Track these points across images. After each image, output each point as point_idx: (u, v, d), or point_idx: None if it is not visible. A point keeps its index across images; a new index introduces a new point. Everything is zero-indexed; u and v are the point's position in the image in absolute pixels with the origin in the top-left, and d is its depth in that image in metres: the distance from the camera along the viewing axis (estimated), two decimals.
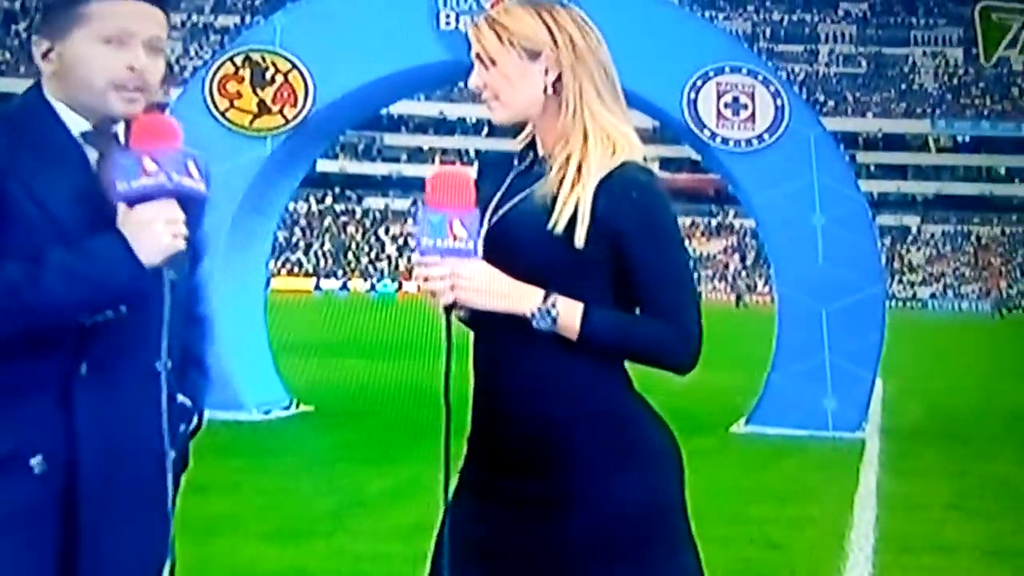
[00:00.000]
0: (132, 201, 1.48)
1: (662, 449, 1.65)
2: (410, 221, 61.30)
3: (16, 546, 1.46)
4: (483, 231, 1.60)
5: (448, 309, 1.60)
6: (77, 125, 1.54)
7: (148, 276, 1.47)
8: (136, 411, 1.52)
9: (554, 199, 1.61)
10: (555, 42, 1.65)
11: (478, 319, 1.62)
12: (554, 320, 1.58)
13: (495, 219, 1.64)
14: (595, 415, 1.61)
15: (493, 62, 1.65)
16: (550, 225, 1.60)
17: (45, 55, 1.54)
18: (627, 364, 1.66)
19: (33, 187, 1.47)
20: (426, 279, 1.59)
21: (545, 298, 1.59)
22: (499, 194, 1.67)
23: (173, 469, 1.58)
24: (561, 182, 1.62)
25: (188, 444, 1.64)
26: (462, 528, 1.62)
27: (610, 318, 1.61)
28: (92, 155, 1.54)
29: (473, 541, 1.62)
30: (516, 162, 1.71)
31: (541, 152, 1.69)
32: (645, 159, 1.66)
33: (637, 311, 1.64)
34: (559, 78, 1.65)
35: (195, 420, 1.65)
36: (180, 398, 1.61)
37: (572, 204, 1.60)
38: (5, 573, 1.46)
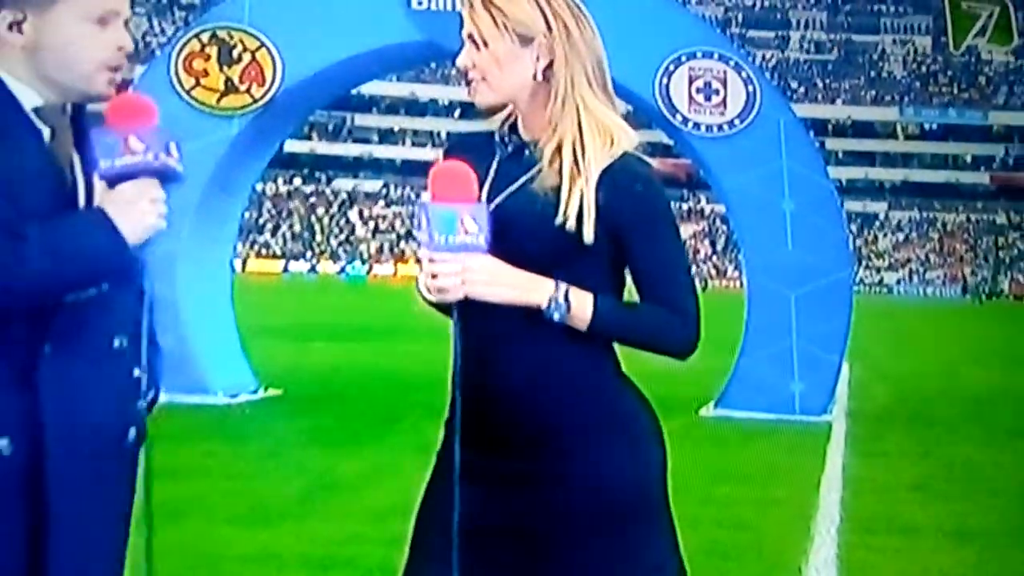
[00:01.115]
0: (113, 180, 1.47)
1: (646, 431, 1.67)
2: (380, 204, 60.95)
3: None
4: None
5: (448, 303, 1.60)
6: (29, 100, 1.51)
7: (130, 254, 1.47)
8: (98, 389, 1.51)
9: (556, 192, 1.61)
10: (549, 29, 1.64)
11: (464, 303, 1.62)
12: (567, 310, 1.60)
13: (491, 209, 1.63)
14: (582, 395, 1.63)
15: (485, 44, 1.64)
16: (559, 220, 1.60)
17: (15, 26, 1.48)
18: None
19: None
20: (434, 275, 1.58)
21: (556, 288, 1.60)
22: (488, 181, 1.66)
23: (134, 446, 1.56)
24: (561, 174, 1.62)
25: (145, 420, 1.62)
26: (446, 507, 1.62)
27: (616, 307, 1.63)
28: (44, 131, 1.51)
29: (458, 520, 1.62)
30: (501, 147, 1.69)
31: (526, 138, 1.68)
32: (639, 147, 1.67)
33: (636, 298, 1.66)
34: (550, 65, 1.64)
35: (151, 394, 1.63)
36: (136, 373, 1.60)
37: (577, 198, 1.60)
38: None
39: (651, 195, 1.65)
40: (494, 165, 1.68)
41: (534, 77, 1.64)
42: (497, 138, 1.69)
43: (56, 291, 1.45)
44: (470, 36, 1.65)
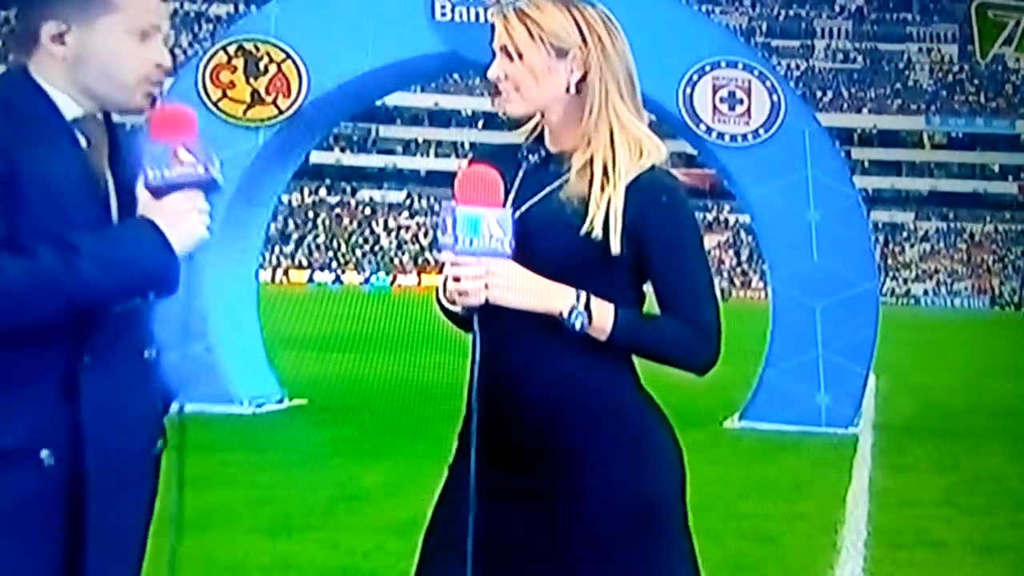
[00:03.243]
0: (161, 191, 1.48)
1: (664, 445, 1.66)
2: (405, 215, 61.19)
3: (29, 538, 1.46)
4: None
5: (471, 309, 1.60)
6: (70, 111, 1.53)
7: (179, 264, 1.48)
8: (132, 399, 1.52)
9: (583, 201, 1.62)
10: (584, 42, 1.64)
11: (483, 313, 1.62)
12: (588, 320, 1.59)
13: (516, 217, 1.63)
14: (601, 410, 1.62)
15: (520, 55, 1.64)
16: (584, 229, 1.60)
17: (58, 37, 1.49)
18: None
19: (35, 172, 1.46)
20: (457, 279, 1.58)
21: (578, 298, 1.60)
22: (514, 191, 1.66)
23: (159, 456, 1.58)
24: (590, 184, 1.62)
25: (166, 429, 1.63)
26: (460, 522, 1.62)
27: (638, 319, 1.62)
28: (82, 140, 1.53)
29: (474, 533, 1.61)
30: (527, 157, 1.69)
31: (553, 149, 1.68)
32: (666, 160, 1.68)
33: (657, 310, 1.66)
34: (583, 77, 1.65)
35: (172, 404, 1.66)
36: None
37: (604, 208, 1.61)
38: (19, 565, 1.45)
39: (676, 208, 1.65)
40: (519, 175, 1.68)
41: (567, 90, 1.65)
42: (523, 149, 1.71)
43: (106, 301, 1.46)
44: (503, 48, 1.66)
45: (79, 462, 1.47)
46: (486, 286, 1.58)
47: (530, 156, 1.69)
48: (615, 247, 1.60)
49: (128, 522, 1.52)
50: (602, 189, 1.62)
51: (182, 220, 1.47)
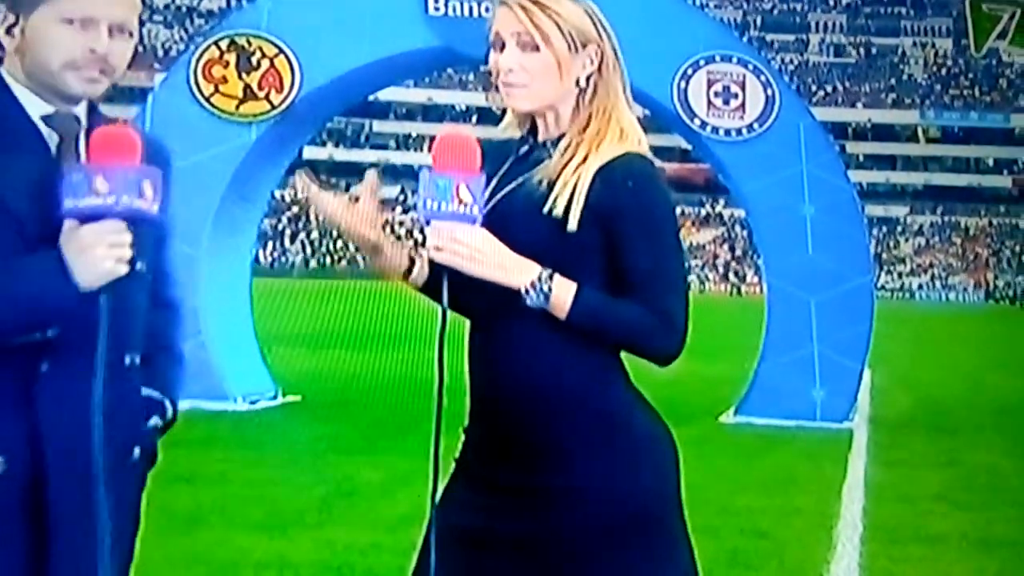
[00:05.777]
0: (80, 219, 1.41)
1: (657, 442, 1.66)
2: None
3: None
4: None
5: (437, 282, 1.57)
6: (37, 108, 1.50)
7: (80, 300, 1.42)
8: (102, 406, 1.48)
9: (551, 183, 1.61)
10: (599, 35, 1.65)
11: (474, 307, 1.62)
12: (547, 297, 1.57)
13: (491, 203, 1.62)
14: (592, 407, 1.61)
15: (540, 47, 1.62)
16: (546, 208, 1.59)
17: (9, 29, 1.50)
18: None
19: None
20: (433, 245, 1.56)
21: (540, 274, 1.58)
22: (496, 179, 1.66)
23: (140, 465, 1.55)
24: (563, 168, 1.62)
25: (156, 439, 1.60)
26: (456, 517, 1.62)
27: (600, 301, 1.60)
28: (53, 139, 1.50)
29: (467, 530, 1.62)
30: (516, 149, 1.69)
31: (542, 137, 1.68)
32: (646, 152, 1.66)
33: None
34: (596, 71, 1.64)
35: (168, 413, 1.61)
36: (146, 391, 1.58)
37: (569, 188, 1.59)
38: None
39: (643, 192, 1.62)
40: (505, 166, 1.68)
41: (577, 83, 1.64)
42: (516, 142, 1.70)
43: (1, 332, 1.42)
44: (519, 38, 1.62)
45: (40, 470, 1.45)
46: (443, 250, 1.55)
47: (519, 148, 1.69)
48: (572, 225, 1.58)
49: (100, 530, 1.48)
50: (573, 172, 1.61)
51: (86, 255, 1.40)
